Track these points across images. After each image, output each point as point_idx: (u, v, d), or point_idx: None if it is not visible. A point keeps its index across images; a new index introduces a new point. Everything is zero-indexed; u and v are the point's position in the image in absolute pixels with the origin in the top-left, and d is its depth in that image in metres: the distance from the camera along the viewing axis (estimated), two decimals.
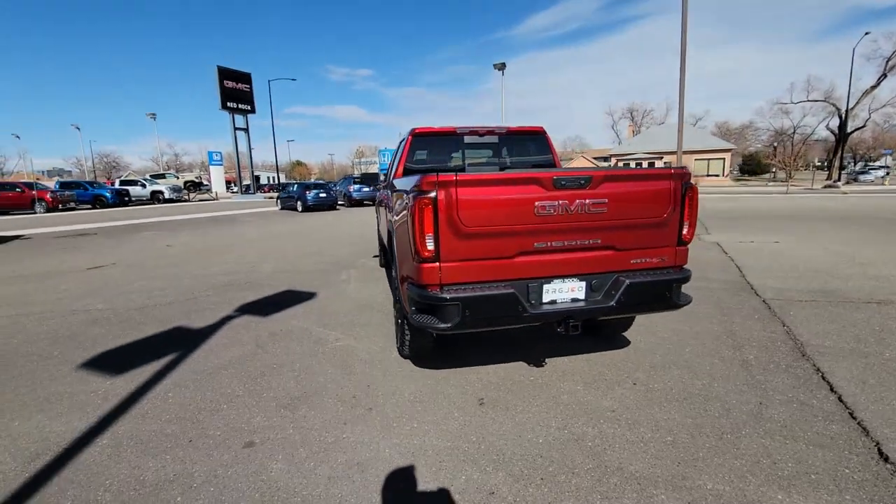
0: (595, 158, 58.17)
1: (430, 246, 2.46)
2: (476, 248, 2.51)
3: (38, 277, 6.82)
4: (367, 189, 22.04)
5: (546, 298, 2.66)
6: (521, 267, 2.58)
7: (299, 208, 20.05)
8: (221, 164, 40.71)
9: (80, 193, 25.87)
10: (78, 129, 51.18)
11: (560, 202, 2.51)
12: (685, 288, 2.94)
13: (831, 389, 2.79)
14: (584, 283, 2.69)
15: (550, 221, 2.53)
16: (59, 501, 2.00)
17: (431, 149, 4.41)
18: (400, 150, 4.34)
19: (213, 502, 1.97)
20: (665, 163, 42.78)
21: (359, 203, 22.43)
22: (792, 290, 4.99)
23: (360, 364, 3.37)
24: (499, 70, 26.80)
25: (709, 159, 43.40)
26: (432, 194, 2.40)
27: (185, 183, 35.04)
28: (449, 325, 2.50)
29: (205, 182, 38.38)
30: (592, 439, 2.36)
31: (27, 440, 2.47)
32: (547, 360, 3.36)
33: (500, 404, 2.74)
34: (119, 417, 2.69)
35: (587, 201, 2.54)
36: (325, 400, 2.85)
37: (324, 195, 19.86)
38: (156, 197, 29.91)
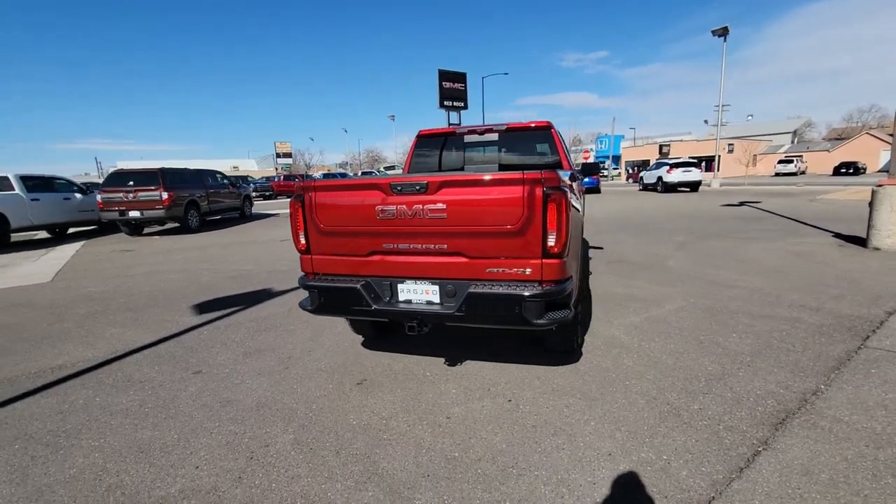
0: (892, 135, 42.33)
1: (303, 241, 2.94)
2: (335, 245, 2.86)
3: (246, 244, 9.75)
4: None
5: (402, 297, 2.80)
6: (375, 265, 2.80)
7: None
8: None
9: None
10: (346, 131, 65.77)
11: (398, 207, 2.62)
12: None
13: (741, 470, 2.08)
14: (437, 288, 2.71)
15: (393, 225, 2.67)
16: (92, 377, 3.35)
17: (435, 148, 4.62)
18: (408, 152, 4.70)
19: (140, 400, 2.99)
20: None
21: None
22: None
23: (328, 334, 4.04)
24: (719, 36, 22.27)
25: None
26: (301, 197, 2.87)
27: None
28: (311, 308, 2.94)
29: None
30: (391, 433, 2.48)
31: (121, 343, 4.04)
32: (467, 361, 3.36)
33: (371, 388, 3.02)
34: (168, 340, 4.08)
35: (425, 207, 2.57)
36: (272, 355, 3.64)
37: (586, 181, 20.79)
38: None
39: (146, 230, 13.39)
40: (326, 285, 2.85)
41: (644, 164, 41.25)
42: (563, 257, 2.52)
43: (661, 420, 2.49)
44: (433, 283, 2.72)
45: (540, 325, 2.53)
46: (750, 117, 52.39)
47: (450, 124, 39.73)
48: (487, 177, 2.51)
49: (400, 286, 2.79)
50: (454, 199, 2.53)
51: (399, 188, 2.60)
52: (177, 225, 13.01)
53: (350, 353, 3.62)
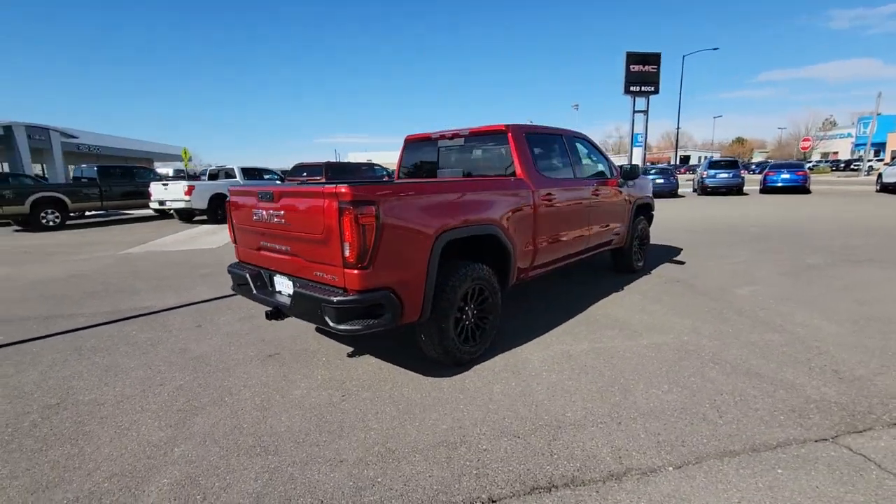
0: None
1: (231, 234, 3.66)
2: (244, 239, 3.49)
3: None
4: (724, 175, 18.53)
5: (278, 288, 3.27)
6: (261, 258, 3.33)
7: None
8: (641, 146, 43.05)
9: None
10: (531, 121, 66.26)
11: (262, 212, 3.08)
12: None
13: None
14: (292, 283, 3.08)
15: (262, 226, 3.14)
16: (149, 319, 4.79)
17: (419, 153, 4.72)
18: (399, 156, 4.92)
19: (148, 338, 4.20)
20: None
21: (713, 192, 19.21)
22: None
23: None
24: None
25: None
26: (230, 199, 3.58)
27: None
28: (232, 288, 3.65)
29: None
30: (234, 398, 3.00)
31: (194, 298, 5.53)
32: (366, 356, 3.61)
33: (272, 361, 3.57)
34: (216, 300, 5.39)
35: (273, 213, 2.97)
36: (252, 322, 4.51)
37: (661, 181, 18.34)
38: None
39: None
40: (232, 270, 3.53)
41: None
42: (365, 268, 2.61)
43: (434, 448, 2.39)
44: (290, 279, 3.11)
45: (341, 331, 2.68)
46: None
47: (634, 111, 36.27)
48: (303, 189, 2.76)
49: (275, 278, 3.26)
50: (288, 207, 2.87)
51: (261, 196, 3.07)
52: None
53: (301, 329, 4.24)
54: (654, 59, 35.86)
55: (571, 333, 3.94)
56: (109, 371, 3.50)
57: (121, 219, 16.61)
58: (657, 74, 35.82)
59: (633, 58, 35.59)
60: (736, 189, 18.76)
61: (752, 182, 25.88)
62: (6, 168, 31.87)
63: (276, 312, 3.21)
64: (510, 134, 3.87)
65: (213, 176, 16.23)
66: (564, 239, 4.29)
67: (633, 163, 7.27)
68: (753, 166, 55.77)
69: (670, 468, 2.17)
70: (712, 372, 3.14)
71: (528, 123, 4.12)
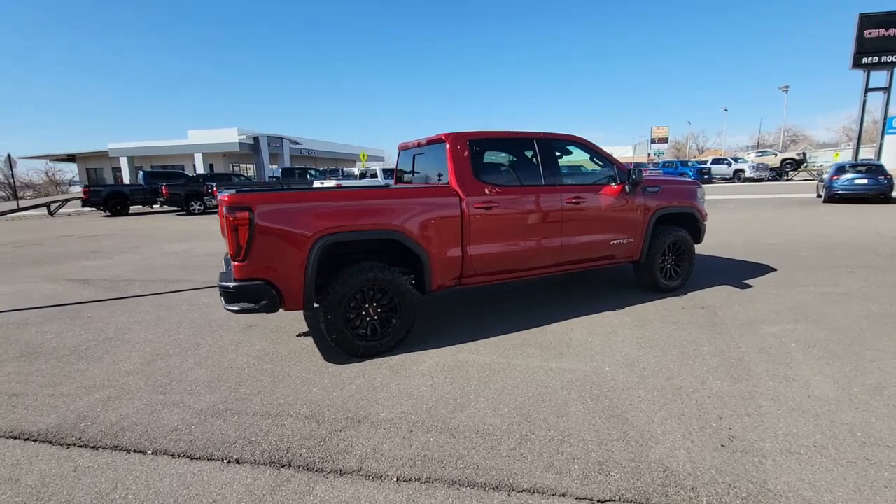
0: None
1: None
2: None
3: None
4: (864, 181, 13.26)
5: None
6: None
7: (822, 198, 15.36)
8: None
9: (667, 171, 30.79)
10: (726, 110, 55.78)
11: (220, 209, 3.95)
12: None
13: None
14: None
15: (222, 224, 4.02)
16: (196, 292, 6.31)
17: (405, 159, 4.97)
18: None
19: (188, 301, 5.62)
20: None
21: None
22: None
23: None
24: None
25: None
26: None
27: (783, 161, 31.76)
28: None
29: (800, 157, 32.91)
30: (190, 353, 3.97)
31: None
32: (308, 338, 4.23)
33: (244, 331, 4.48)
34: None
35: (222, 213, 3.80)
36: None
37: (864, 181, 14.03)
38: (737, 175, 30.09)
39: None
40: (225, 257, 4.53)
41: None
42: (242, 261, 3.23)
43: (252, 416, 2.87)
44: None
45: (229, 310, 3.36)
46: None
47: (867, 90, 28.01)
48: (224, 197, 3.49)
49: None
50: (220, 208, 3.66)
51: (218, 200, 3.94)
52: None
53: None
54: None
55: (497, 345, 3.84)
56: (158, 321, 4.90)
57: None
58: None
59: (869, 21, 27.38)
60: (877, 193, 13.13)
61: None
62: (252, 170, 42.31)
63: None
64: (448, 143, 3.95)
65: (363, 175, 18.89)
66: (517, 249, 4.12)
67: (639, 165, 6.08)
68: None
69: (392, 478, 2.22)
70: (578, 407, 2.80)
71: (484, 130, 4.08)
